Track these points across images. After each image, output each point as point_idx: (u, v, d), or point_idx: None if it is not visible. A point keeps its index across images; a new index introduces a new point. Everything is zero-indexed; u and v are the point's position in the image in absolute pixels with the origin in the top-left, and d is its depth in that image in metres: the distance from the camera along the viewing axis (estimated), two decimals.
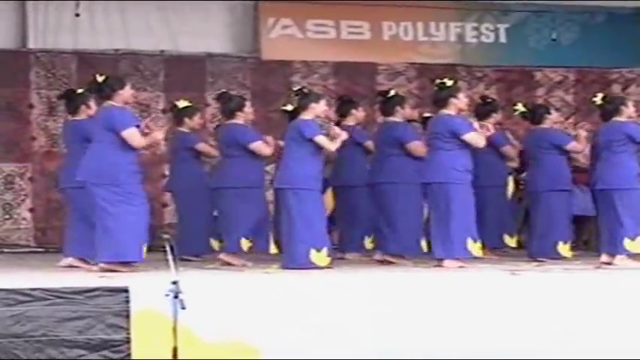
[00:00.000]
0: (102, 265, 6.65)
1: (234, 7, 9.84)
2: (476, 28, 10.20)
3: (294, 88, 7.84)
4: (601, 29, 10.31)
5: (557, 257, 7.57)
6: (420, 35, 10.05)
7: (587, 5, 10.24)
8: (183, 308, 5.30)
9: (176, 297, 5.35)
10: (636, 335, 6.26)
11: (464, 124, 7.07)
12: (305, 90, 7.42)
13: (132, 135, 6.53)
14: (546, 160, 7.57)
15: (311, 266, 6.83)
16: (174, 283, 5.33)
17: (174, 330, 5.37)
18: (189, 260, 7.41)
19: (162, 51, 9.39)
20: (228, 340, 5.87)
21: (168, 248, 5.51)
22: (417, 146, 7.34)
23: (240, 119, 7.47)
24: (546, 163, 7.55)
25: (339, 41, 9.91)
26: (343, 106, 8.08)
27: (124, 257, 6.67)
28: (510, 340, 6.22)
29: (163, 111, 9.20)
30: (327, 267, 6.95)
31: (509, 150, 7.90)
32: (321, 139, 6.92)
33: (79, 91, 7.42)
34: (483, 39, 10.29)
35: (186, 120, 7.82)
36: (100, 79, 6.85)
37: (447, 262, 6.98)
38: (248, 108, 7.50)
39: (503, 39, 10.31)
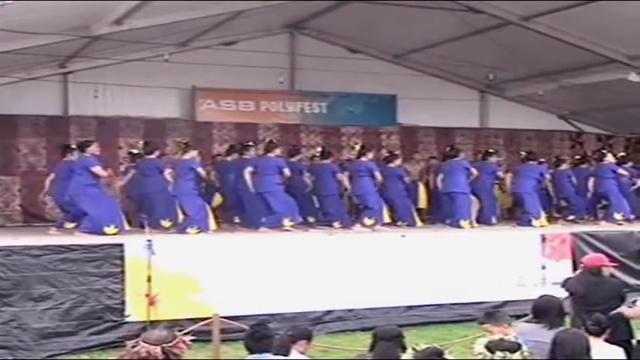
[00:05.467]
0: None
1: (183, 93, 12.78)
2: (310, 105, 13.40)
3: (184, 140, 10.01)
4: (375, 105, 13.66)
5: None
6: (280, 108, 13.23)
7: (366, 92, 13.42)
8: (154, 254, 6.97)
9: (149, 248, 7.02)
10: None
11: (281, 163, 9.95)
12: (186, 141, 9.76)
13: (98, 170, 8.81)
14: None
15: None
16: (149, 240, 7.16)
17: (149, 266, 6.93)
18: None
19: (142, 116, 12.53)
20: (177, 271, 7.36)
21: (145, 222, 7.77)
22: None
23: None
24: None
25: (237, 111, 12.99)
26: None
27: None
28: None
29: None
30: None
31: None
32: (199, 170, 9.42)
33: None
34: (314, 110, 13.43)
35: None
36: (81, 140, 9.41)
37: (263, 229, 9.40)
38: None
39: (324, 110, 13.51)
